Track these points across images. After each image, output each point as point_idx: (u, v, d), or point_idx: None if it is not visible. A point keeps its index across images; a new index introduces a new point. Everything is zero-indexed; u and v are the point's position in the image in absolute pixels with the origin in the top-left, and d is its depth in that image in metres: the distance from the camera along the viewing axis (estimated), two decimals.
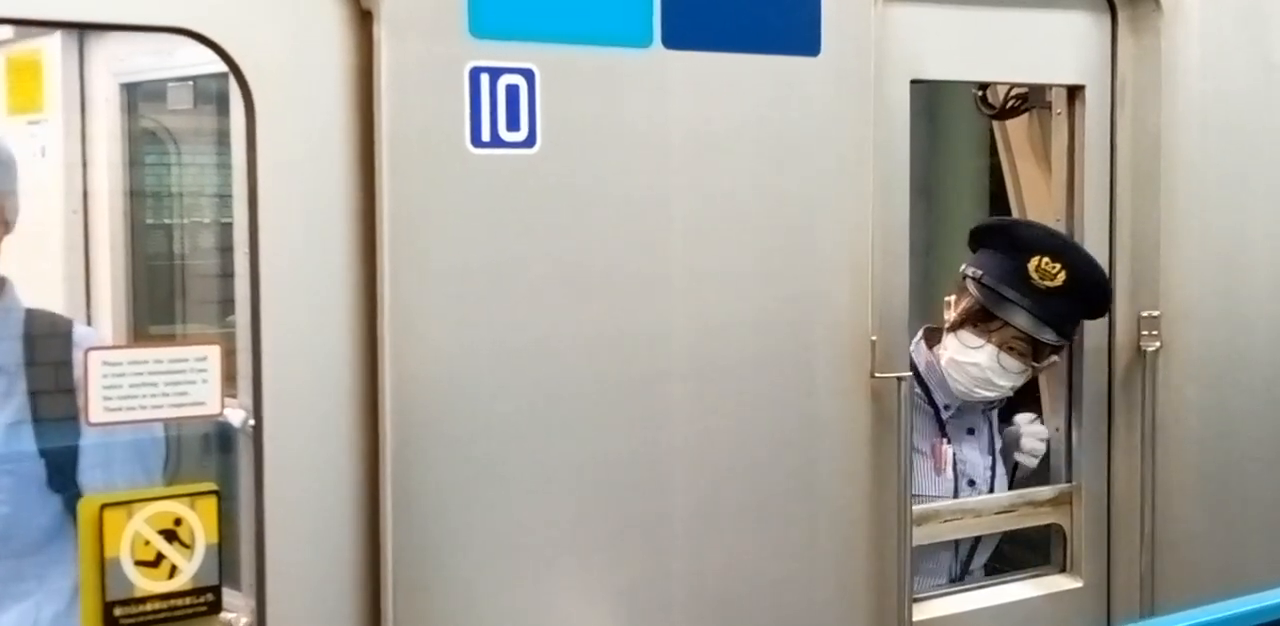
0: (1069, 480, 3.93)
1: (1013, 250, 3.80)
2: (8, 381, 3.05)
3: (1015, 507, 3.89)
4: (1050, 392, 4.10)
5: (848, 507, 3.41)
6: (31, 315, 3.10)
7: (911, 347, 3.89)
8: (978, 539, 3.97)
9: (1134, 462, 3.90)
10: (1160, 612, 3.85)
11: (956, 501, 3.85)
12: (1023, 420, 4.04)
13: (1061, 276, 3.74)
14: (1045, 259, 3.74)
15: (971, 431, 4.01)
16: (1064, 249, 3.78)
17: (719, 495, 3.22)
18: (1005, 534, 4.02)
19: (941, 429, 3.95)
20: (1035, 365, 3.86)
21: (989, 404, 4.00)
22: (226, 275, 3.36)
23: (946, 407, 3.95)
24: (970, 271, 3.88)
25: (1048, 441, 3.99)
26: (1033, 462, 4.02)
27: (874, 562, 3.45)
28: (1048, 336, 3.80)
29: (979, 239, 3.95)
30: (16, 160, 3.12)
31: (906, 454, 3.46)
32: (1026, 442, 3.99)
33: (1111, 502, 3.92)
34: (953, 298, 3.94)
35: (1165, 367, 3.92)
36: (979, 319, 3.85)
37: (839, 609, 3.42)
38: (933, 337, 4.00)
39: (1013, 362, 3.84)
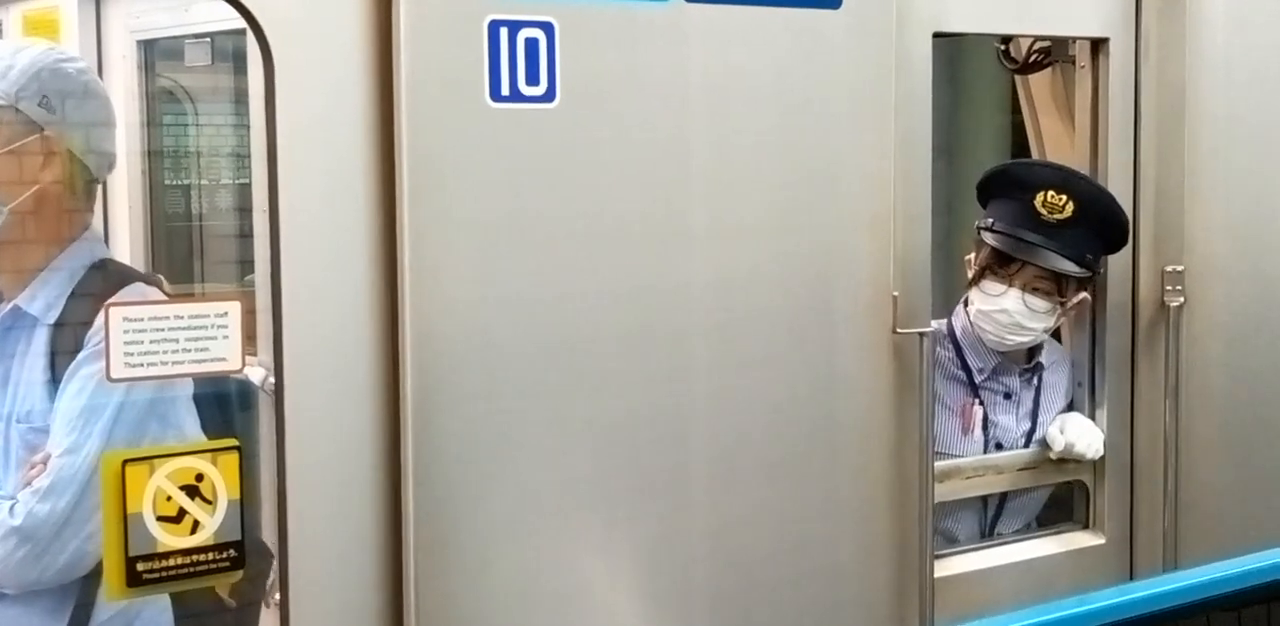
0: None
1: (1017, 191, 3.77)
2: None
3: (1038, 464, 3.88)
4: (1073, 348, 4.08)
5: (869, 464, 3.40)
6: (97, 266, 2.98)
7: (954, 313, 3.91)
8: (1002, 502, 3.95)
9: (1157, 419, 3.89)
10: (1183, 569, 3.85)
11: (979, 458, 3.83)
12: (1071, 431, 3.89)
13: (1070, 207, 3.70)
14: (1050, 192, 3.71)
15: (1009, 396, 3.94)
16: (1067, 179, 3.75)
17: (739, 450, 3.21)
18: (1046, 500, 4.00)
19: (975, 392, 3.92)
20: (1063, 301, 3.82)
21: (1028, 369, 3.95)
22: (245, 235, 3.35)
23: (980, 370, 3.92)
24: (982, 222, 3.85)
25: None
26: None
27: (895, 519, 3.44)
28: (1067, 267, 3.75)
29: (986, 192, 3.92)
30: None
31: (928, 410, 3.45)
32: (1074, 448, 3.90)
33: (1134, 459, 3.91)
34: (972, 256, 3.92)
35: (1189, 323, 3.90)
36: (997, 265, 3.81)
37: (860, 565, 3.41)
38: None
39: (1039, 302, 3.79)
